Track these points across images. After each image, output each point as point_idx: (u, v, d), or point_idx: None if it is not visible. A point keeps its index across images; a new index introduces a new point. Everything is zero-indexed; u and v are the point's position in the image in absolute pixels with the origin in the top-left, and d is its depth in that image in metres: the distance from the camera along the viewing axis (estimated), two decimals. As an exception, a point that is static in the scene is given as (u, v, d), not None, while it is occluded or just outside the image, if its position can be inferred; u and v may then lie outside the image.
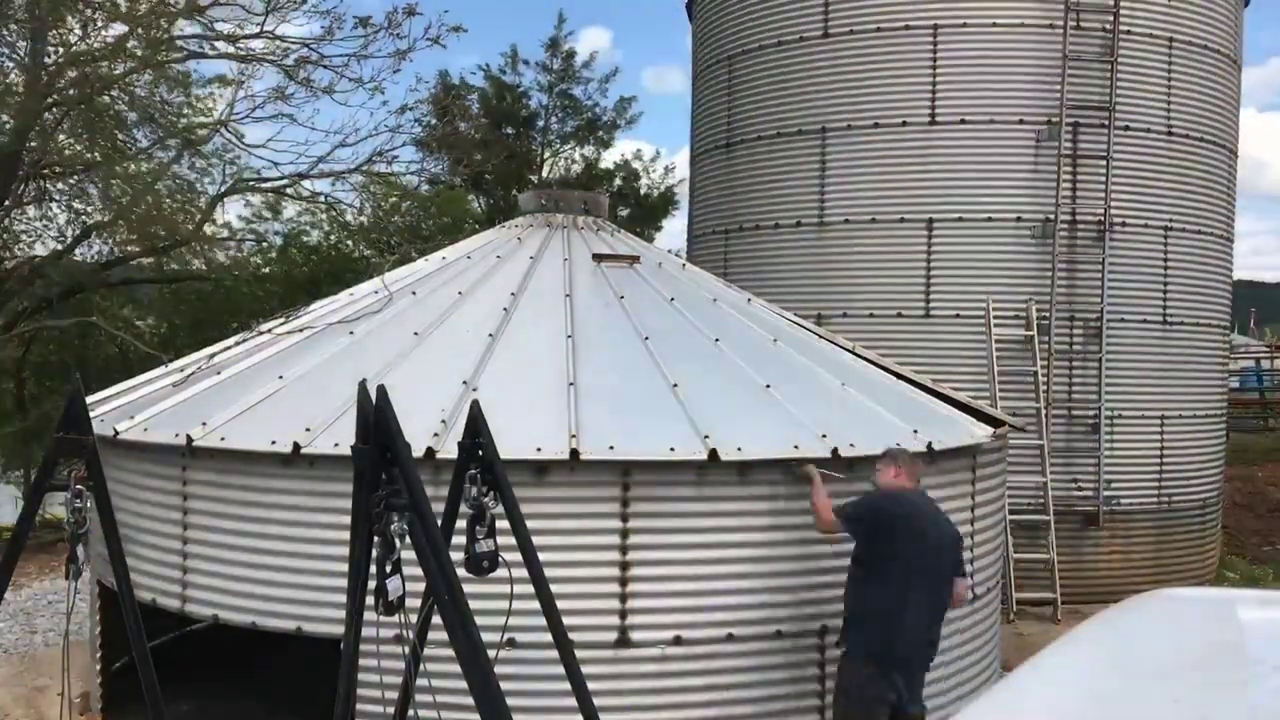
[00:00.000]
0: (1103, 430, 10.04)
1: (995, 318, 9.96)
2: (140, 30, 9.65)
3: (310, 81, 10.05)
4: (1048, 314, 9.98)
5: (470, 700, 2.72)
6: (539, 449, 5.02)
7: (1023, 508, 9.71)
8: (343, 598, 3.13)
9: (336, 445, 5.02)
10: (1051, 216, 10.00)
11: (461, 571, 3.08)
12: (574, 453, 5.01)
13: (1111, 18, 10.09)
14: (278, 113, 10.53)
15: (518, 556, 3.47)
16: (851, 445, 5.41)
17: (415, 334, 6.07)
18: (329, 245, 16.33)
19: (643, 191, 25.76)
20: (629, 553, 5.12)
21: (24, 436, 14.53)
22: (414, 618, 3.37)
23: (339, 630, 3.27)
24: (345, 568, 3.10)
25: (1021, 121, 10.13)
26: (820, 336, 7.44)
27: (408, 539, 2.91)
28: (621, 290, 6.57)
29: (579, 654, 3.58)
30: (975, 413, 7.04)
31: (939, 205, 10.18)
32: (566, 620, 3.54)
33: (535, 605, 3.47)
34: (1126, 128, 10.27)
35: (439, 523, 3.22)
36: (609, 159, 25.92)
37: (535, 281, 6.60)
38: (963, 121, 10.18)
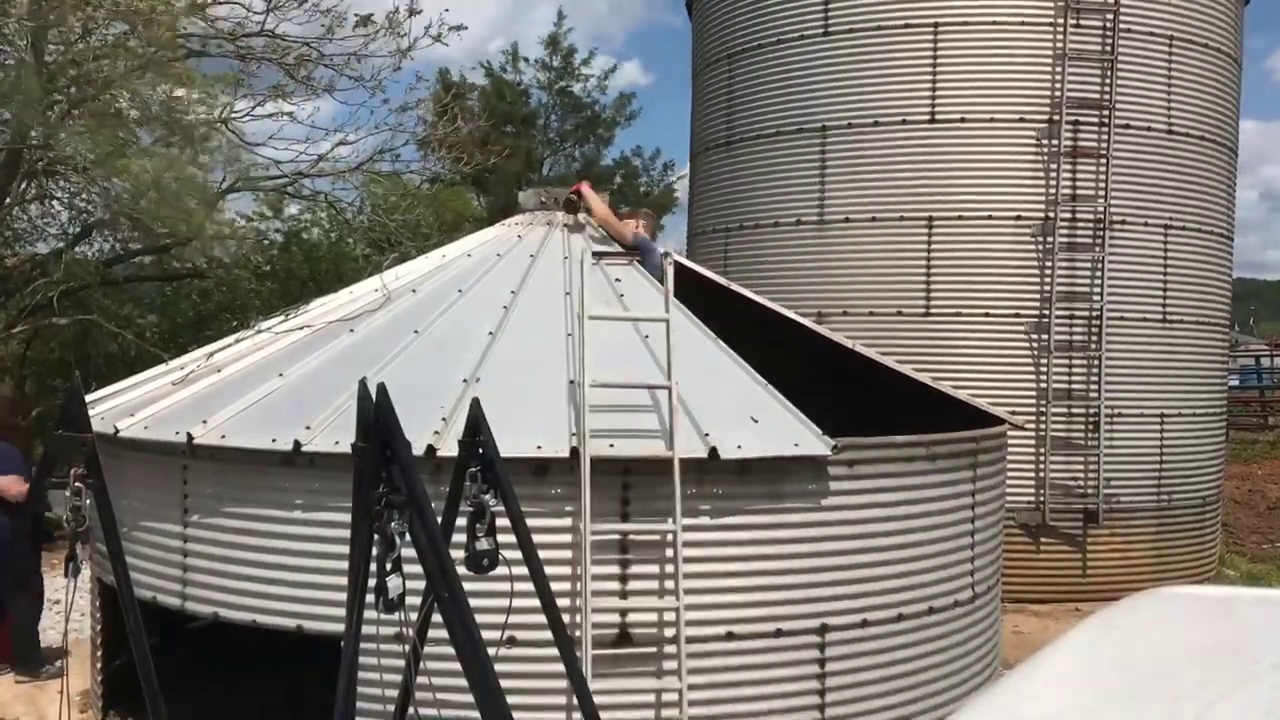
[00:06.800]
0: (1103, 428, 10.04)
1: (995, 315, 9.96)
2: (141, 28, 9.64)
3: (311, 80, 10.02)
4: (1047, 312, 9.98)
5: (471, 698, 2.72)
6: (539, 447, 5.02)
7: (1020, 506, 9.72)
8: (343, 596, 3.13)
9: (337, 443, 5.01)
10: (1051, 214, 10.00)
11: (461, 570, 3.08)
12: (574, 451, 5.01)
13: (1112, 15, 10.09)
14: (278, 110, 10.50)
15: (518, 555, 3.47)
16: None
17: (415, 332, 6.07)
18: (329, 243, 16.33)
19: (643, 190, 25.80)
20: (629, 551, 5.12)
21: (24, 435, 14.52)
22: (414, 616, 3.37)
23: (339, 628, 3.27)
24: (345, 566, 3.10)
25: (1022, 119, 10.13)
26: (820, 335, 7.43)
27: (408, 537, 2.91)
28: (622, 289, 6.56)
29: (579, 652, 3.58)
30: (975, 411, 7.04)
31: (939, 203, 10.18)
32: (566, 619, 3.54)
33: (535, 603, 3.47)
34: (1127, 126, 10.27)
35: (439, 521, 3.22)
36: (609, 156, 25.98)
37: (535, 279, 6.60)
38: (963, 119, 10.18)
